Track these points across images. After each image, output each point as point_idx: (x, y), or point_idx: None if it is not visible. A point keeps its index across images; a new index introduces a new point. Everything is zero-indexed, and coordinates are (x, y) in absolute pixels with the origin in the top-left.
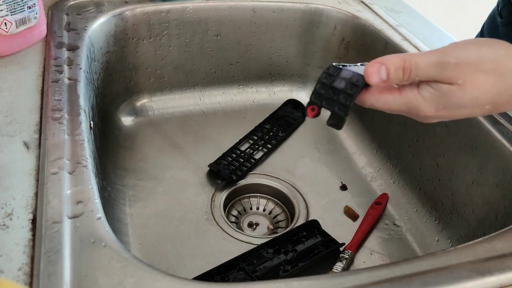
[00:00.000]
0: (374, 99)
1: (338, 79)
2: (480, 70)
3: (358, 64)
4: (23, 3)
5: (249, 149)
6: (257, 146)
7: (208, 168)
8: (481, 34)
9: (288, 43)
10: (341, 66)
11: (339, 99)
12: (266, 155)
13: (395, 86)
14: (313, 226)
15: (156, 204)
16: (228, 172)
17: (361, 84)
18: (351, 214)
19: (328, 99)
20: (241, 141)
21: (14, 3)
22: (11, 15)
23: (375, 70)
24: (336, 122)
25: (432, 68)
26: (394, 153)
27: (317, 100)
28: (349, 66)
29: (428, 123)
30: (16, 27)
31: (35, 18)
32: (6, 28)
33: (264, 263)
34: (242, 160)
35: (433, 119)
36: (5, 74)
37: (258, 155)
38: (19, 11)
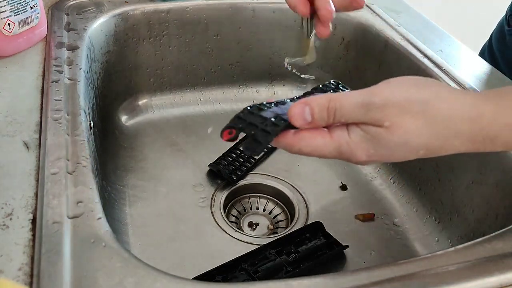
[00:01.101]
0: (304, 144)
1: (268, 111)
2: (408, 113)
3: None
4: (25, 3)
5: None
6: None
7: (208, 168)
8: (489, 43)
9: (288, 43)
10: (274, 102)
11: (263, 126)
12: (266, 155)
13: (325, 129)
14: (316, 228)
15: (156, 204)
16: (228, 172)
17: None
18: (366, 217)
19: (250, 124)
20: (241, 141)
21: (17, 3)
22: (14, 15)
23: (298, 111)
24: (252, 146)
25: (357, 109)
26: None
27: (237, 123)
28: (284, 102)
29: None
30: (19, 27)
31: (36, 18)
32: (10, 29)
33: (266, 264)
34: (242, 160)
35: (367, 163)
36: (5, 74)
37: (258, 155)
38: (22, 11)
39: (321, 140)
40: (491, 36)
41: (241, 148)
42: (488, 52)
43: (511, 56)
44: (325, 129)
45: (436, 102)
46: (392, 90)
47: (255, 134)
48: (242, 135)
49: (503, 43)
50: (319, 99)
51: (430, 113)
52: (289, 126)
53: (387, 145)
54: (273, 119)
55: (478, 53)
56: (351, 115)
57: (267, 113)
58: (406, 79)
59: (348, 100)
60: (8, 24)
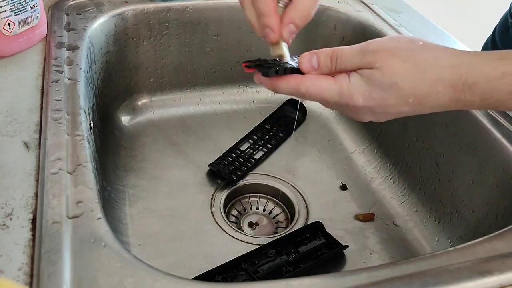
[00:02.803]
0: (309, 83)
1: (279, 63)
2: (396, 57)
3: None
4: (25, 3)
5: (249, 149)
6: (257, 146)
7: (208, 168)
8: (492, 36)
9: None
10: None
11: (274, 65)
12: (266, 155)
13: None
14: (316, 228)
15: (156, 204)
16: (228, 172)
17: (297, 68)
18: (366, 217)
19: (265, 63)
20: (241, 141)
21: (17, 3)
22: (14, 15)
23: (307, 58)
24: (265, 71)
25: (355, 55)
26: (394, 153)
27: (255, 61)
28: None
29: (363, 121)
30: (19, 27)
31: (36, 18)
32: (10, 29)
33: (266, 264)
34: (242, 160)
35: (363, 112)
36: (5, 74)
37: (258, 155)
38: (22, 11)
39: (326, 82)
40: (494, 30)
41: (241, 148)
42: (491, 46)
43: None
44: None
45: (423, 51)
46: (385, 40)
47: (269, 67)
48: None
49: (507, 35)
50: (325, 50)
51: (416, 58)
52: (298, 71)
53: (380, 86)
54: (284, 64)
55: (481, 48)
56: (350, 61)
57: (278, 62)
58: (400, 37)
59: (348, 49)
60: (8, 24)
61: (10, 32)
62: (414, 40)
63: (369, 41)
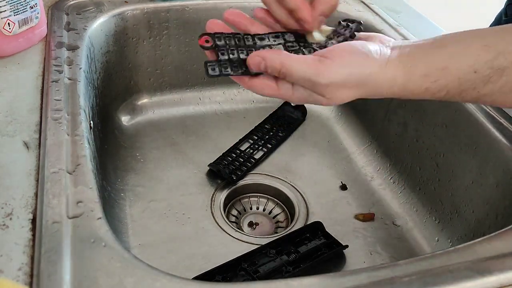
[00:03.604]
0: (254, 86)
1: (246, 43)
2: (345, 88)
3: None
4: (25, 3)
5: (249, 149)
6: (257, 146)
7: (208, 168)
8: None
9: None
10: (254, 36)
11: (232, 59)
12: (266, 155)
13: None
14: (316, 228)
15: (156, 204)
16: (228, 172)
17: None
18: (366, 217)
19: (224, 50)
20: (241, 141)
21: (17, 3)
22: (14, 15)
23: (254, 63)
24: (213, 68)
25: (304, 81)
26: (394, 153)
27: (216, 40)
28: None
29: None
30: (19, 27)
31: (36, 18)
32: (10, 29)
33: (266, 263)
34: (242, 160)
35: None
36: (5, 74)
37: (258, 155)
38: (22, 11)
39: (268, 89)
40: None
41: (241, 148)
42: None
43: None
44: (273, 80)
45: (368, 77)
46: (337, 70)
47: (221, 61)
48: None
49: None
50: (274, 60)
51: (362, 84)
52: (247, 72)
53: (321, 103)
54: (242, 57)
55: None
56: (298, 82)
57: (242, 48)
58: (356, 52)
59: (298, 71)
60: (8, 24)
61: (10, 32)
62: (365, 61)
63: (320, 66)
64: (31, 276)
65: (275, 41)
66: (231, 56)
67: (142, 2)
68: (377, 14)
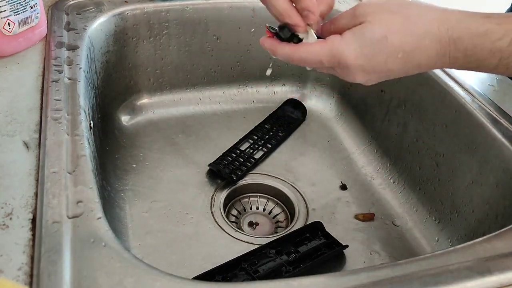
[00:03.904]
0: (303, 49)
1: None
2: (387, 10)
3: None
4: (25, 3)
5: (249, 148)
6: (257, 146)
7: (208, 168)
8: None
9: None
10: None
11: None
12: (266, 155)
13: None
14: (316, 228)
15: (156, 204)
16: (228, 172)
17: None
18: (366, 217)
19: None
20: (241, 141)
21: (17, 3)
22: (14, 15)
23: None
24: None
25: (347, 14)
26: (394, 153)
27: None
28: None
29: (356, 82)
30: (19, 27)
31: (36, 17)
32: (9, 28)
33: (266, 263)
34: (242, 160)
35: (354, 70)
36: (5, 74)
37: (258, 155)
38: (22, 11)
39: (317, 45)
40: None
41: (241, 148)
42: None
43: None
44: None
45: (411, 6)
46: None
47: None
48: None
49: None
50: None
51: (405, 12)
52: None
53: (370, 41)
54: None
55: None
56: (343, 18)
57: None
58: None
59: (342, 12)
60: (8, 23)
61: (10, 32)
62: None
63: (360, 2)
64: (31, 276)
65: None
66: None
67: (142, 2)
68: None
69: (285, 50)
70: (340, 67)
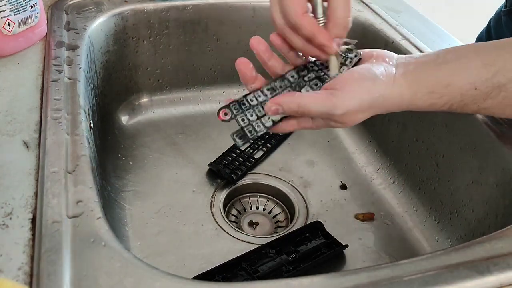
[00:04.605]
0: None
1: (260, 99)
2: (360, 113)
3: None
4: (25, 2)
5: (249, 148)
6: (257, 146)
7: (208, 168)
8: (487, 27)
9: None
10: (267, 88)
11: (252, 122)
12: (266, 155)
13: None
14: (316, 228)
15: (156, 204)
16: (228, 172)
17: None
18: (365, 217)
19: (243, 115)
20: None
21: (17, 2)
22: (14, 15)
23: (274, 111)
24: (242, 136)
25: (323, 115)
26: (394, 152)
27: (233, 110)
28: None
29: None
30: (19, 26)
31: (36, 17)
32: (9, 28)
33: (266, 263)
34: (242, 160)
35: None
36: (4, 74)
37: (258, 155)
38: (22, 10)
39: (291, 126)
40: (489, 22)
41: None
42: (486, 37)
43: (507, 37)
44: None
45: (378, 99)
46: (350, 100)
47: (245, 127)
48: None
49: (500, 24)
50: (290, 103)
51: (373, 106)
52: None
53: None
54: (261, 117)
55: (475, 38)
56: (316, 117)
57: (257, 106)
58: (363, 78)
59: (314, 109)
60: (8, 23)
61: (10, 32)
62: (374, 85)
63: (335, 99)
64: (31, 275)
65: (280, 87)
66: (250, 118)
67: (142, 1)
68: (377, 13)
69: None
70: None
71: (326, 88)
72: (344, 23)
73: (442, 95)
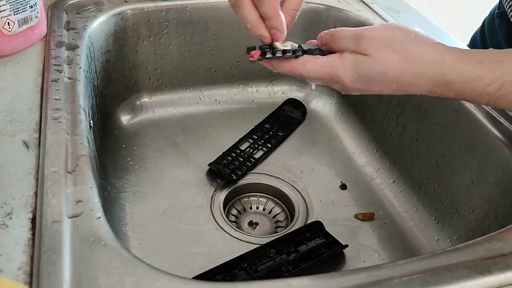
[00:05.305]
0: (303, 65)
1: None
2: (389, 47)
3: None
4: (25, 2)
5: (249, 148)
6: (257, 146)
7: (208, 168)
8: (481, 28)
9: None
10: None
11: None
12: (266, 155)
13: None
14: (316, 227)
15: (156, 204)
16: (228, 172)
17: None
18: (365, 216)
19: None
20: (241, 141)
21: (17, 2)
22: (14, 14)
23: (320, 36)
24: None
25: (351, 37)
26: (393, 152)
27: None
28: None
29: (349, 94)
30: (19, 26)
31: (36, 17)
32: (9, 28)
33: (266, 263)
34: (242, 160)
35: (349, 89)
36: (4, 73)
37: (258, 155)
38: (22, 10)
39: (318, 63)
40: (483, 22)
41: (241, 148)
42: (480, 38)
43: (500, 40)
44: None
45: (413, 44)
46: (380, 28)
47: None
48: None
49: (493, 26)
50: (326, 32)
51: (405, 51)
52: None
53: (368, 72)
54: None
55: (469, 42)
56: (345, 40)
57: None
58: (395, 26)
59: (346, 30)
60: (8, 23)
61: (10, 31)
62: (408, 31)
63: (366, 27)
64: (31, 275)
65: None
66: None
67: (142, 1)
68: (377, 13)
69: (285, 68)
70: (338, 85)
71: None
72: (293, 15)
73: (493, 68)
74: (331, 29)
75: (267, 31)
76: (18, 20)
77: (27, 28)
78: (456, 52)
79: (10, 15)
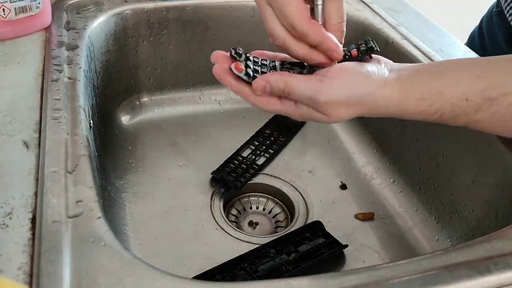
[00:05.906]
0: (259, 100)
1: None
2: (344, 107)
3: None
4: None
5: (251, 155)
6: (258, 152)
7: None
8: (479, 26)
9: None
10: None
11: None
12: (268, 161)
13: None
14: (316, 227)
15: (156, 204)
16: (232, 180)
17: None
18: (365, 216)
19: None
20: (242, 147)
21: None
22: (10, 2)
23: (261, 86)
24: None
25: (305, 99)
26: (394, 152)
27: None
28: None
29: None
30: (15, 14)
31: (37, 7)
32: (4, 14)
33: (266, 263)
34: (245, 167)
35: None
36: (4, 73)
37: (260, 161)
38: None
39: (272, 105)
40: (481, 21)
41: (243, 155)
42: (478, 37)
43: (498, 38)
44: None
45: (366, 97)
46: (337, 89)
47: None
48: None
49: (492, 24)
50: (278, 81)
51: (360, 103)
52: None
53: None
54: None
55: (467, 40)
56: (300, 100)
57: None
58: (355, 72)
59: (300, 90)
60: (3, 9)
61: (5, 18)
62: (365, 82)
63: (321, 85)
64: (31, 275)
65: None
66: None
67: (142, 1)
68: (377, 13)
69: (248, 96)
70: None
71: (317, 75)
72: (341, 28)
73: (433, 103)
74: (277, 81)
75: (322, 55)
76: (15, 8)
77: (26, 17)
78: (401, 88)
79: (6, 2)
